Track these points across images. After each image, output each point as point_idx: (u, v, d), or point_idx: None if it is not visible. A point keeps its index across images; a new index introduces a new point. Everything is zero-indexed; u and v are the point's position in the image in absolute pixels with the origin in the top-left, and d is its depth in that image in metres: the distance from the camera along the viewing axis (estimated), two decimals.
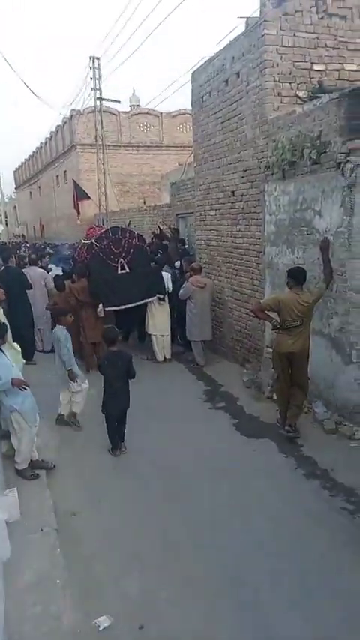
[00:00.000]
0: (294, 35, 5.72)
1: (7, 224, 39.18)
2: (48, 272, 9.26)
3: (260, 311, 4.90)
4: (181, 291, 7.15)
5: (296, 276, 4.75)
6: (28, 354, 6.95)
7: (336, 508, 3.74)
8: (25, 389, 4.05)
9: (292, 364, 4.84)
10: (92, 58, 17.18)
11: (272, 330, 5.01)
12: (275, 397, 5.40)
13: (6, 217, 39.62)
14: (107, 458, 4.77)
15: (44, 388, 5.92)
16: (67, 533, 3.59)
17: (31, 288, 7.85)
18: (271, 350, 5.44)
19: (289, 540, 3.43)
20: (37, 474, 4.27)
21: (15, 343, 5.07)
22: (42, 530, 3.53)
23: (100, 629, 2.75)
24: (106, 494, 4.13)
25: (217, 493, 4.06)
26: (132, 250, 7.41)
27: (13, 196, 44.77)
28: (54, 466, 4.47)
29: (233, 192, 6.77)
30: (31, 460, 4.32)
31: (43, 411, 5.04)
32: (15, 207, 42.02)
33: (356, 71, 5.92)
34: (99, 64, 17.35)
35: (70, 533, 3.61)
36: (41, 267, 9.30)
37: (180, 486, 4.18)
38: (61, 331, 5.22)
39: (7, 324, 4.66)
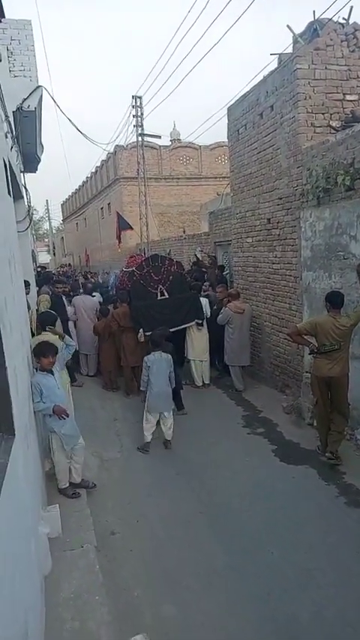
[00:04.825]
0: (325, 68, 5.90)
1: (54, 254, 41.04)
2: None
3: (297, 335, 4.91)
4: (219, 316, 7.26)
5: (333, 300, 4.75)
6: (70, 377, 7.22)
7: None
8: (64, 418, 4.14)
9: (331, 389, 4.79)
10: (134, 97, 18.12)
11: (310, 354, 5.00)
12: (315, 423, 5.32)
13: (54, 247, 41.55)
14: (146, 480, 4.84)
15: (87, 411, 6.12)
16: (105, 551, 3.68)
17: (66, 317, 8.02)
18: (310, 375, 5.40)
19: (331, 571, 3.35)
20: (79, 493, 4.41)
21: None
22: (82, 547, 3.64)
23: None
24: (144, 515, 4.20)
25: (256, 519, 4.02)
26: (171, 277, 7.65)
27: (60, 228, 47.07)
28: (94, 485, 4.60)
29: (269, 219, 6.89)
30: (71, 482, 4.46)
31: (84, 433, 5.23)
32: (62, 238, 44.07)
33: None
34: (141, 102, 18.28)
35: (108, 551, 3.70)
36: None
37: (218, 511, 4.18)
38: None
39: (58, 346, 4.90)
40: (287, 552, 3.58)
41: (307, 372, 5.95)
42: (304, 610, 3.02)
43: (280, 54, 7.64)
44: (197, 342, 7.55)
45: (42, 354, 4.14)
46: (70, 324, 8.47)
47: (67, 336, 4.80)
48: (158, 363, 5.43)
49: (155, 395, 5.41)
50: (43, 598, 3.05)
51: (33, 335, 5.32)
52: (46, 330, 5.06)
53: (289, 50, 7.29)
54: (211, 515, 4.12)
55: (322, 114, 5.92)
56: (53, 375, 4.20)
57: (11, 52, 7.19)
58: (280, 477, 4.72)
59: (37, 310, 7.37)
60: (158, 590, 3.27)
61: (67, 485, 4.42)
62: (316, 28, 6.80)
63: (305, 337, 4.88)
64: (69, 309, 8.49)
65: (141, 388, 5.56)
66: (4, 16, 7.28)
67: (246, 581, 3.32)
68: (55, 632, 2.86)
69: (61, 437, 4.24)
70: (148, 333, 7.46)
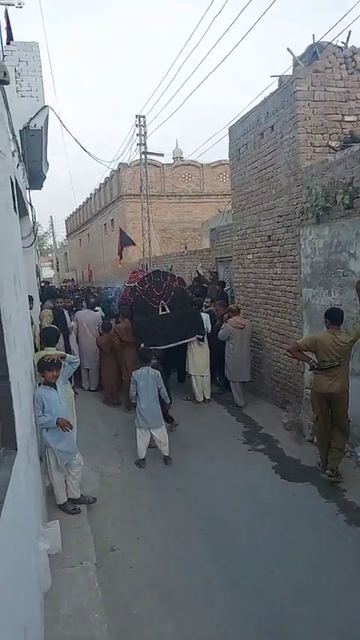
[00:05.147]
0: (325, 90, 6.05)
1: (58, 269, 41.36)
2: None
3: (296, 351, 4.95)
4: (220, 332, 7.30)
5: (333, 317, 4.79)
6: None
7: None
8: (68, 430, 4.16)
9: (331, 405, 4.80)
10: (138, 117, 18.49)
11: (310, 370, 5.03)
12: (316, 440, 5.31)
13: (57, 263, 41.90)
14: (147, 496, 4.83)
15: (87, 426, 6.12)
16: (105, 568, 3.67)
17: (67, 332, 8.11)
18: (310, 391, 5.42)
19: (331, 589, 3.33)
20: (79, 509, 4.39)
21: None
22: (82, 563, 3.62)
23: None
24: (144, 531, 4.18)
25: (256, 536, 4.00)
26: (172, 292, 7.72)
27: (64, 243, 47.51)
28: (95, 500, 4.58)
29: (269, 236, 6.99)
30: (70, 498, 4.45)
31: (85, 448, 5.24)
32: (66, 253, 44.45)
33: None
34: (144, 122, 18.66)
35: (108, 568, 3.68)
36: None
37: (218, 528, 4.16)
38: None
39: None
40: (287, 569, 3.56)
41: (307, 388, 5.97)
42: (304, 627, 3.00)
43: (280, 76, 7.84)
44: (198, 358, 7.58)
45: (46, 367, 4.19)
46: (72, 338, 8.53)
47: (68, 355, 4.84)
48: (145, 379, 5.45)
49: (143, 411, 5.42)
50: (43, 614, 3.03)
51: (36, 350, 5.36)
52: (48, 347, 5.12)
53: (289, 72, 7.48)
54: (211, 532, 4.10)
55: (322, 134, 6.05)
56: (56, 389, 4.22)
57: (19, 73, 7.39)
58: (281, 493, 4.70)
59: (40, 325, 7.44)
60: (158, 608, 3.25)
61: (66, 500, 4.41)
62: (315, 51, 7.00)
63: (305, 353, 4.91)
64: (72, 324, 8.55)
65: (132, 401, 5.63)
66: (12, 39, 7.52)
67: (246, 598, 3.30)
68: None
69: (55, 453, 4.24)
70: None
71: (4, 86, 3.04)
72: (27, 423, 3.28)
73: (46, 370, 4.18)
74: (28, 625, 2.28)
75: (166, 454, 5.50)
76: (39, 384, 4.24)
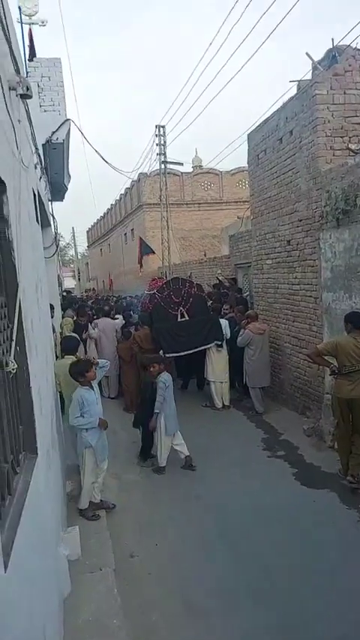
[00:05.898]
0: (344, 93, 6.01)
1: (79, 279, 41.94)
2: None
3: (317, 356, 4.88)
4: (239, 338, 7.26)
5: (354, 321, 4.71)
6: None
7: None
8: (106, 429, 4.35)
9: (352, 411, 4.70)
10: (158, 127, 18.72)
11: (330, 375, 4.94)
12: (336, 446, 5.21)
13: (79, 273, 42.49)
14: (166, 503, 4.81)
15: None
16: (124, 574, 3.66)
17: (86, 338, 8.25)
18: (330, 396, 5.32)
19: (351, 595, 3.24)
20: (99, 515, 4.41)
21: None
22: (101, 569, 3.62)
23: None
24: (163, 537, 4.17)
25: (276, 543, 3.94)
26: (191, 299, 7.74)
27: (85, 254, 48.21)
28: (114, 506, 4.60)
29: (289, 241, 6.94)
30: (91, 502, 4.48)
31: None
32: (87, 263, 45.08)
33: None
34: (164, 132, 18.86)
35: (127, 574, 3.67)
36: (109, 317, 9.87)
37: (238, 534, 4.11)
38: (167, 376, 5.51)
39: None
40: (307, 576, 3.48)
41: (327, 393, 5.87)
42: (325, 636, 2.92)
43: (299, 80, 7.84)
44: (217, 364, 7.55)
45: (85, 370, 4.34)
46: (92, 346, 8.62)
47: (100, 360, 4.89)
48: (170, 384, 5.48)
49: (171, 416, 5.41)
50: (62, 619, 3.04)
51: (56, 358, 5.44)
52: (68, 355, 5.18)
53: (308, 76, 7.47)
54: (230, 539, 4.05)
55: (341, 137, 6.01)
56: (94, 390, 4.40)
57: (42, 89, 7.60)
58: (301, 500, 4.62)
59: (60, 333, 7.56)
60: (176, 615, 3.23)
61: (87, 506, 4.43)
62: (334, 55, 6.98)
63: (325, 358, 4.84)
64: (94, 332, 8.67)
65: (155, 410, 5.36)
66: (35, 56, 7.75)
67: (266, 605, 3.24)
68: None
69: (96, 451, 4.35)
70: (168, 355, 7.54)
71: (28, 100, 3.12)
72: (47, 429, 3.32)
73: (85, 372, 4.33)
74: (47, 624, 2.29)
75: (188, 453, 5.49)
76: (80, 385, 4.36)
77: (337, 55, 6.87)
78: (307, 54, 7.34)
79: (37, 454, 2.55)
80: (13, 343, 1.98)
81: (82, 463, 4.38)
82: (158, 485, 5.21)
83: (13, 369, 1.91)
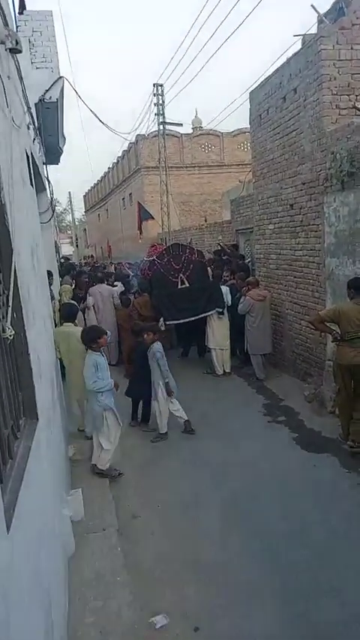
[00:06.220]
0: (351, 48, 5.71)
1: (77, 246, 41.40)
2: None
3: (319, 322, 4.84)
4: (240, 305, 7.20)
5: (357, 287, 4.65)
6: None
7: None
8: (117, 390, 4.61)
9: (354, 377, 4.71)
10: (155, 85, 17.97)
11: (332, 341, 4.93)
12: (337, 411, 5.25)
13: (77, 239, 41.88)
14: (167, 466, 4.90)
15: None
16: (127, 534, 3.76)
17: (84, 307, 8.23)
18: (332, 363, 5.33)
19: (350, 554, 3.34)
20: (122, 473, 4.63)
21: None
22: (104, 530, 3.72)
23: (157, 627, 2.84)
24: (165, 500, 4.26)
25: (277, 505, 4.02)
26: (191, 266, 7.64)
27: (83, 219, 47.37)
28: (122, 474, 4.68)
29: (292, 205, 6.78)
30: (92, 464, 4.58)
31: None
32: (85, 229, 44.39)
33: None
34: (162, 91, 18.12)
35: (130, 534, 3.77)
36: (108, 284, 9.78)
37: (239, 497, 4.20)
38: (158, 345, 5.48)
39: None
40: (308, 536, 3.57)
41: (329, 360, 5.87)
42: (319, 590, 3.02)
43: (303, 35, 7.45)
44: (218, 331, 7.54)
45: (97, 336, 4.48)
46: (92, 314, 8.57)
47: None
48: (162, 353, 5.49)
49: (172, 380, 5.45)
50: (67, 577, 3.14)
51: (56, 325, 5.41)
52: (67, 322, 5.17)
53: (313, 31, 7.09)
54: (231, 502, 4.14)
55: (348, 95, 5.75)
56: (103, 355, 4.56)
57: (32, 44, 7.21)
58: (301, 464, 4.70)
59: (59, 301, 7.50)
60: (179, 572, 3.33)
61: (109, 466, 4.57)
62: (341, 7, 6.58)
63: (328, 325, 4.80)
64: (89, 299, 8.60)
65: (165, 380, 5.34)
66: (25, 8, 7.31)
67: (265, 563, 3.33)
68: (79, 610, 2.95)
69: (115, 412, 4.51)
70: (168, 322, 7.51)
71: (18, 56, 2.93)
72: (48, 395, 3.33)
73: (97, 339, 4.46)
74: (52, 581, 2.35)
75: (187, 417, 5.55)
76: (90, 351, 4.48)
77: (344, 7, 6.47)
78: (312, 6, 6.93)
79: (37, 419, 2.56)
80: (10, 309, 1.93)
81: (102, 425, 4.46)
82: (160, 449, 5.29)
83: (10, 336, 1.87)
